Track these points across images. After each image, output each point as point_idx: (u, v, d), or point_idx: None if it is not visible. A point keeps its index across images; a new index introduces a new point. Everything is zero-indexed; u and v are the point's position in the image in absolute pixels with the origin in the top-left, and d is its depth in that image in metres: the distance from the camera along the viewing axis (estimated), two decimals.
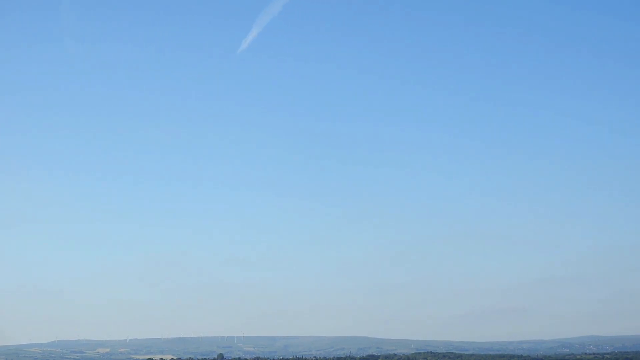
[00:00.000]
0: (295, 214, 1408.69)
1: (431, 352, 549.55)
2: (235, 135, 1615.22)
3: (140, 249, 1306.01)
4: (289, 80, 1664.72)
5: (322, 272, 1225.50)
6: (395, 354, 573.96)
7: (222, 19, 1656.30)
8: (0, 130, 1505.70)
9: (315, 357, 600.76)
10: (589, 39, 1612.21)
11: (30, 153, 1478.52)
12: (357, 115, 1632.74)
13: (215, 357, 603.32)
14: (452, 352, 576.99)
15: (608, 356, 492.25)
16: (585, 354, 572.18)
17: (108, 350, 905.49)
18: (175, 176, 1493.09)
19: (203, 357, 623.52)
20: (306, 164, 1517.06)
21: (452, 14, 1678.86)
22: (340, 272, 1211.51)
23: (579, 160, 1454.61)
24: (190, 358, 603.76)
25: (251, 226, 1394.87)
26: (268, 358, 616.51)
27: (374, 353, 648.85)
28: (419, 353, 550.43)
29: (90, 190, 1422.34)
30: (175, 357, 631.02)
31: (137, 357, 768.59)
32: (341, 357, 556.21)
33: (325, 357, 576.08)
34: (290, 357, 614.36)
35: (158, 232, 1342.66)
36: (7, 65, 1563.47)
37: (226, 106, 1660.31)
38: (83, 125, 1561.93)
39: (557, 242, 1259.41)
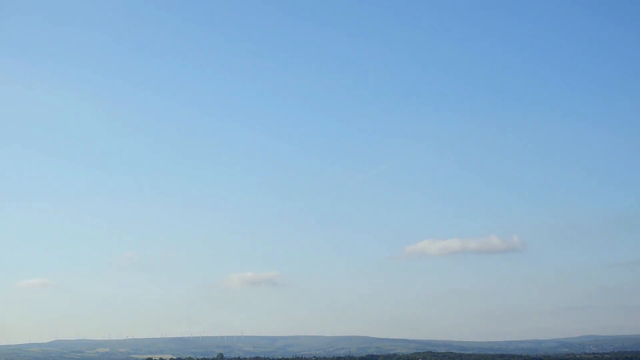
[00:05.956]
0: (294, 214, 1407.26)
1: (431, 352, 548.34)
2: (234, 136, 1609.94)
3: (141, 248, 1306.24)
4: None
5: (323, 272, 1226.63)
6: (395, 354, 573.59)
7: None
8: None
9: (315, 357, 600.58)
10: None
11: (30, 151, 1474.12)
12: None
13: (215, 357, 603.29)
14: (452, 352, 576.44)
15: (608, 356, 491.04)
16: (585, 353, 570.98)
17: (108, 350, 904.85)
18: (175, 174, 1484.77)
19: (203, 357, 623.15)
20: (304, 164, 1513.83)
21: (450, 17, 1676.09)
22: (340, 272, 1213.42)
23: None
24: (190, 358, 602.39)
25: (251, 226, 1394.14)
26: (268, 358, 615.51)
27: (373, 353, 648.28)
28: (419, 353, 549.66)
29: (90, 189, 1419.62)
30: (175, 357, 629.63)
31: (137, 357, 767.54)
32: (341, 357, 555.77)
33: (325, 357, 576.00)
34: (290, 357, 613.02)
35: (158, 231, 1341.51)
36: None
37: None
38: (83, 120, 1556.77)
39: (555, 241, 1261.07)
